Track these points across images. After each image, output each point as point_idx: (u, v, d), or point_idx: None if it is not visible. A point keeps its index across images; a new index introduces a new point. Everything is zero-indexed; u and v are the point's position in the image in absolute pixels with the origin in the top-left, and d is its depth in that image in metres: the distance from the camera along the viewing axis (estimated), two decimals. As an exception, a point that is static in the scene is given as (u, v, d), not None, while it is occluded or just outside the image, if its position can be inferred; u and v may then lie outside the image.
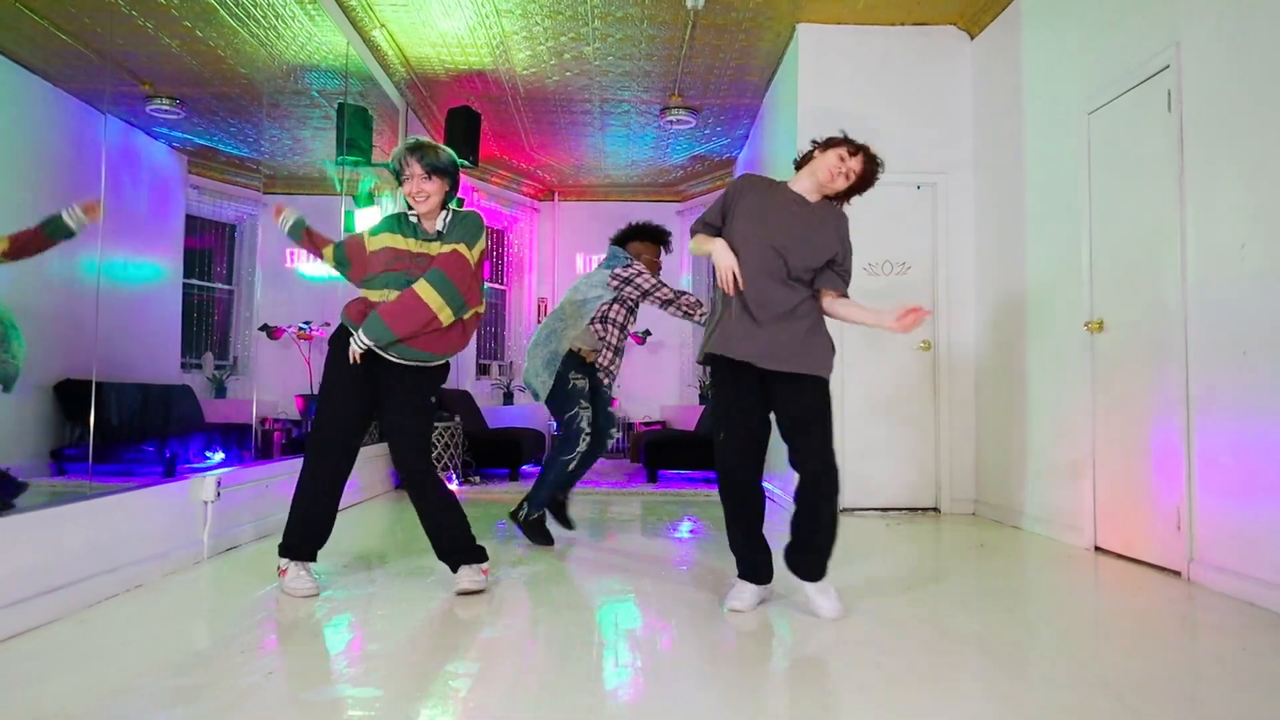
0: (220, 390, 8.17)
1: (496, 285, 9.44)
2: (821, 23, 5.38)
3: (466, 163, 6.65)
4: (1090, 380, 4.06)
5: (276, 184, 8.46)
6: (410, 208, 2.95)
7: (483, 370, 9.06)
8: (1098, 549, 3.98)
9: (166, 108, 6.72)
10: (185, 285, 7.84)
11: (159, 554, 3.17)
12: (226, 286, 8.44)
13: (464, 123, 6.45)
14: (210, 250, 8.36)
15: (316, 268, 8.82)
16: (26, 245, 3.38)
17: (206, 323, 8.34)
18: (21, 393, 5.82)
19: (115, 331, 6.93)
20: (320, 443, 3.03)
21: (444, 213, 2.96)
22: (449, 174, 2.95)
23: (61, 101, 5.84)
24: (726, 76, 6.25)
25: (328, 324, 8.06)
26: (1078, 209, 4.17)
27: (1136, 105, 3.76)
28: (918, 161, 5.38)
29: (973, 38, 5.37)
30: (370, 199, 6.66)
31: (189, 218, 7.89)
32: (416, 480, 2.98)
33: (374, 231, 3.01)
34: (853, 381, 5.30)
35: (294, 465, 4.72)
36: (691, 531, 4.56)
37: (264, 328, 8.28)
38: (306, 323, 8.25)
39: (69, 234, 3.31)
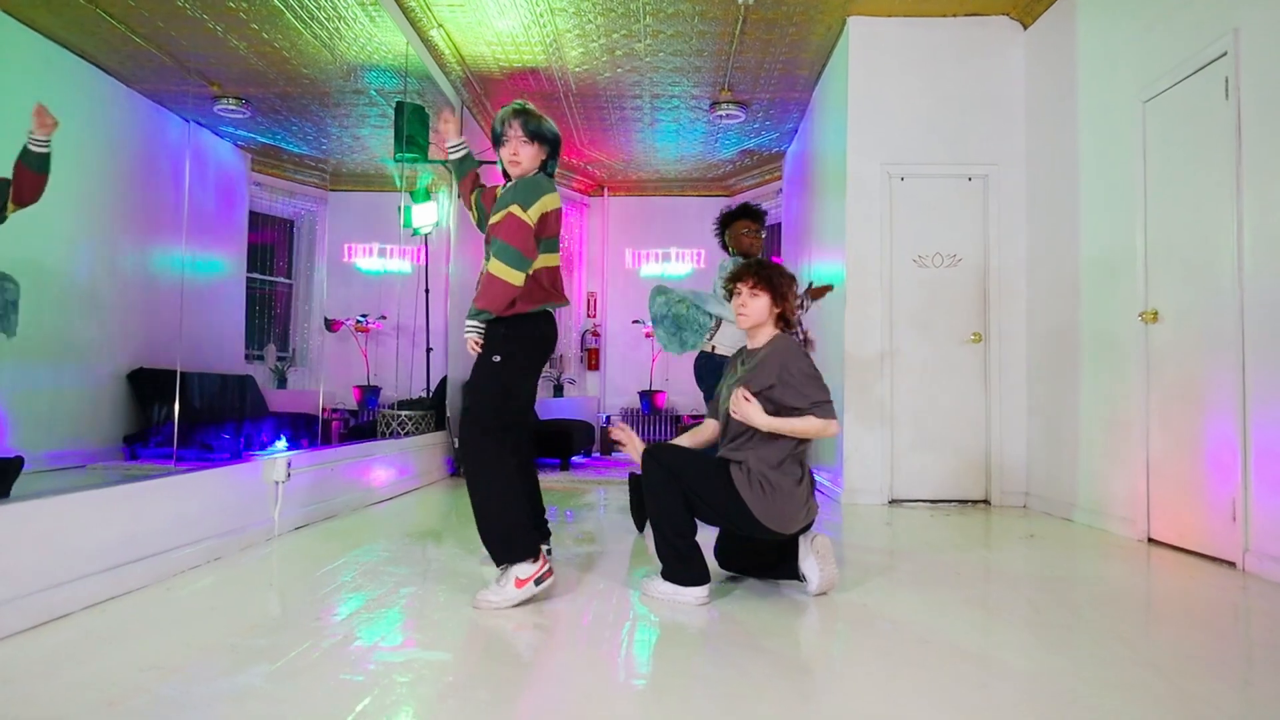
0: (281, 381, 8.45)
1: (547, 279, 9.59)
2: (872, 15, 5.39)
3: (520, 158, 6.80)
4: (1145, 371, 4.03)
5: (340, 181, 8.73)
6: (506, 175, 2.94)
7: (533, 363, 9.22)
8: (1151, 540, 3.96)
9: (233, 107, 6.98)
10: (248, 279, 8.14)
11: (235, 529, 3.34)
12: (287, 281, 8.73)
13: (517, 119, 6.58)
14: (271, 245, 8.66)
15: (373, 262, 9.11)
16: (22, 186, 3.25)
17: (269, 315, 8.64)
18: (97, 381, 6.14)
19: (187, 323, 7.25)
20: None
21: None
22: (548, 142, 2.88)
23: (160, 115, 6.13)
24: (776, 71, 6.29)
25: (384, 317, 8.30)
26: (1133, 199, 4.14)
27: (1193, 93, 3.73)
28: (969, 153, 5.38)
29: (1026, 27, 5.34)
30: (427, 194, 6.83)
31: (252, 214, 8.19)
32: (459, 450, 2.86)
33: None
34: (903, 373, 5.33)
35: (353, 450, 4.93)
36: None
37: (325, 321, 8.55)
38: (364, 315, 8.50)
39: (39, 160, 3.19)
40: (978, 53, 5.43)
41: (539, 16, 5.47)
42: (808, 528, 2.85)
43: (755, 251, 4.20)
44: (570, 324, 9.63)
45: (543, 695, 1.94)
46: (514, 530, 2.68)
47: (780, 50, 5.92)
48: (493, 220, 2.84)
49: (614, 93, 6.81)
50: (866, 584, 3.03)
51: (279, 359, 8.40)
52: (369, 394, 8.71)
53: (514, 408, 2.91)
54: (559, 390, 9.15)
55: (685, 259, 9.42)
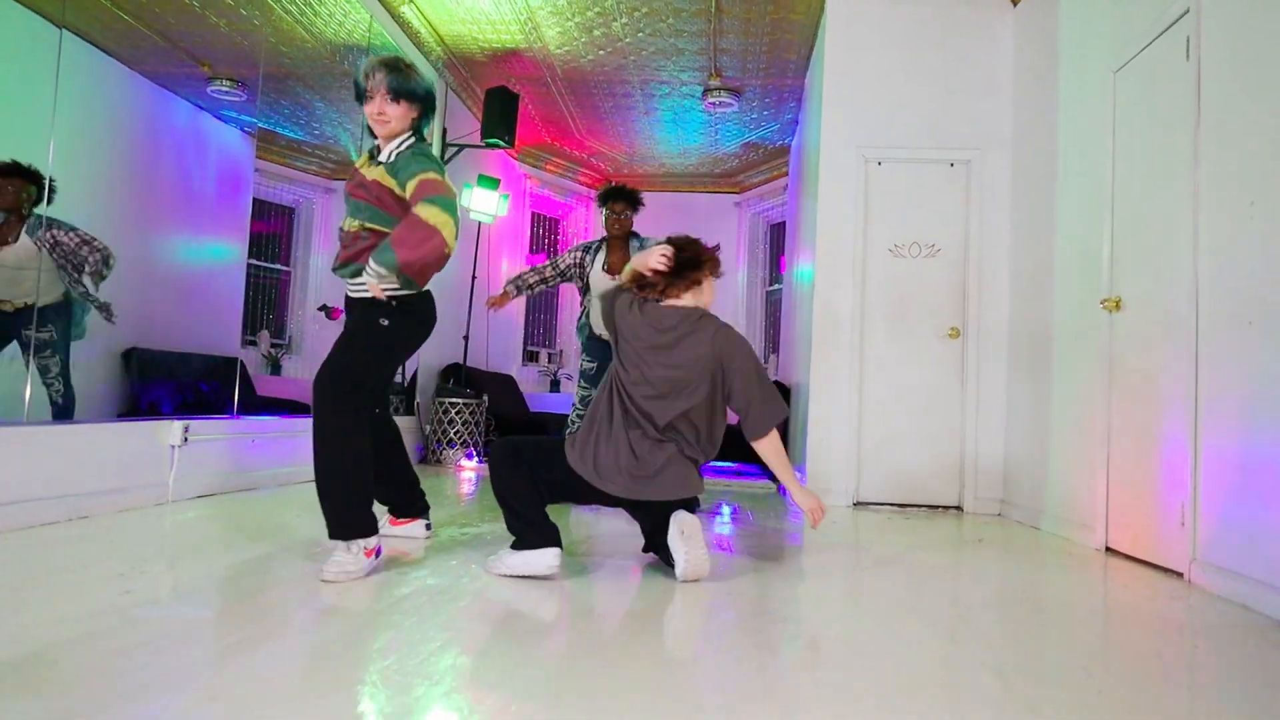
0: (275, 368, 8.44)
1: (550, 273, 9.46)
2: (852, -8, 5.14)
3: (501, 142, 6.70)
4: (1107, 367, 3.69)
5: (343, 170, 8.67)
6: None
7: (531, 357, 9.09)
8: (1108, 550, 3.61)
9: (227, 89, 6.99)
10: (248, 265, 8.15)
11: (114, 490, 3.24)
12: (285, 268, 8.75)
13: (500, 103, 6.47)
14: (270, 233, 8.67)
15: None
16: None
17: (265, 302, 8.64)
18: (93, 358, 6.17)
19: (182, 305, 7.28)
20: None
21: (399, 140, 2.64)
22: (419, 100, 2.63)
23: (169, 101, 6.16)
24: (763, 54, 6.06)
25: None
26: (1102, 177, 3.81)
27: (1158, 58, 3.40)
28: (951, 138, 5.07)
29: (1015, 4, 5.02)
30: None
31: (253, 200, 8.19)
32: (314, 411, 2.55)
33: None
34: (874, 370, 5.03)
35: (280, 423, 4.82)
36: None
37: (323, 308, 8.52)
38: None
39: None
40: (964, 33, 5.12)
41: (507, -9, 5.34)
42: (686, 506, 2.64)
43: (617, 233, 4.84)
44: (571, 316, 9.48)
45: (320, 669, 1.76)
46: (366, 505, 2.55)
47: (763, 30, 5.69)
48: (410, 187, 2.51)
49: (601, 78, 6.65)
50: (751, 573, 2.78)
51: (273, 345, 8.40)
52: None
53: (381, 380, 2.74)
54: (555, 385, 9.00)
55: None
